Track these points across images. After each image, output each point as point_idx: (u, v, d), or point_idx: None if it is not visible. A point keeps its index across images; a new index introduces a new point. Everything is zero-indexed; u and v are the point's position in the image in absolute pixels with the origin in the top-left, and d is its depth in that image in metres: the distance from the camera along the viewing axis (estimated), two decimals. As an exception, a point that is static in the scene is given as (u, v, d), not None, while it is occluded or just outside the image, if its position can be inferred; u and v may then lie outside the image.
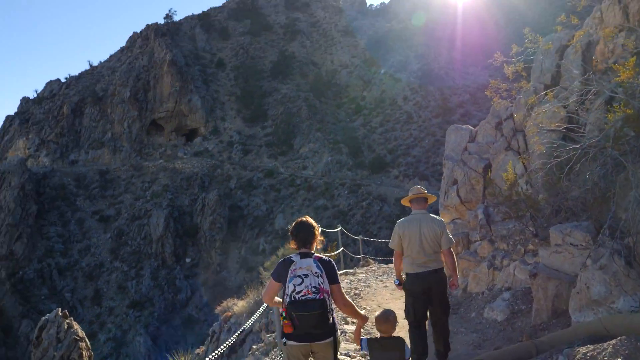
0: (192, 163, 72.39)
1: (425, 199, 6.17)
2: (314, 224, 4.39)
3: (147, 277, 57.07)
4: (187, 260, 60.00)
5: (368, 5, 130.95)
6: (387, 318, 4.53)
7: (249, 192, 65.87)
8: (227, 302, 14.35)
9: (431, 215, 6.12)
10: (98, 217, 64.71)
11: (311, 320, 3.90)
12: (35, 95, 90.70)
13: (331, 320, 4.04)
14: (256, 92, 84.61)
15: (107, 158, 76.19)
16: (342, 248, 15.17)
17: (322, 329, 3.98)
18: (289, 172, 67.79)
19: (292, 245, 4.37)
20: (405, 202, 6.38)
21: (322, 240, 4.50)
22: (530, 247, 7.19)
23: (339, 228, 15.33)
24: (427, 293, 5.89)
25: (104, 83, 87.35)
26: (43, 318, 15.20)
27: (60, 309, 15.76)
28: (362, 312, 4.67)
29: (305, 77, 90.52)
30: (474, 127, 10.07)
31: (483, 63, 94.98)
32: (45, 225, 61.88)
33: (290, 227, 4.41)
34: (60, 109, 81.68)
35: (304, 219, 4.41)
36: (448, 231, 6.09)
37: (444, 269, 6.14)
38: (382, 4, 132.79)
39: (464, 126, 9.86)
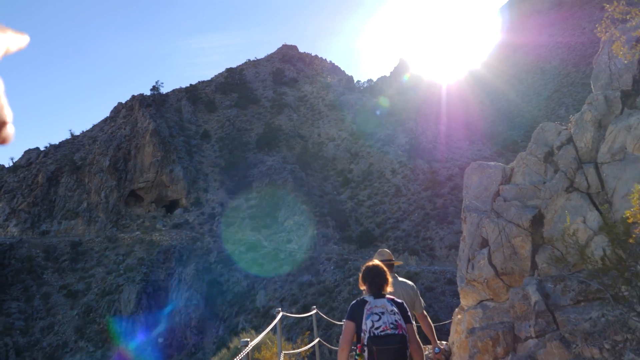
0: (171, 235, 68.55)
1: (392, 264, 5.93)
2: (385, 268, 4.34)
3: (114, 359, 51.95)
4: (160, 340, 55.01)
5: (355, 81, 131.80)
6: None
7: (230, 266, 61.87)
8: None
9: (401, 279, 5.90)
10: (65, 291, 59.98)
11: (390, 355, 3.82)
12: (11, 164, 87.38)
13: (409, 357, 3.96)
14: (241, 163, 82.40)
15: (81, 229, 72.17)
16: (317, 339, 9.77)
17: None
18: (273, 246, 64.19)
19: (364, 288, 4.31)
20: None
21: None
22: None
23: (314, 311, 9.84)
24: None
25: (84, 152, 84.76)
26: None
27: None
28: None
29: (291, 149, 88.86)
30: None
31: (469, 138, 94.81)
32: (7, 300, 57.04)
33: (362, 271, 4.36)
34: (35, 177, 78.39)
35: (377, 264, 4.36)
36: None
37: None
38: (369, 80, 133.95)
39: (492, 163, 6.78)
